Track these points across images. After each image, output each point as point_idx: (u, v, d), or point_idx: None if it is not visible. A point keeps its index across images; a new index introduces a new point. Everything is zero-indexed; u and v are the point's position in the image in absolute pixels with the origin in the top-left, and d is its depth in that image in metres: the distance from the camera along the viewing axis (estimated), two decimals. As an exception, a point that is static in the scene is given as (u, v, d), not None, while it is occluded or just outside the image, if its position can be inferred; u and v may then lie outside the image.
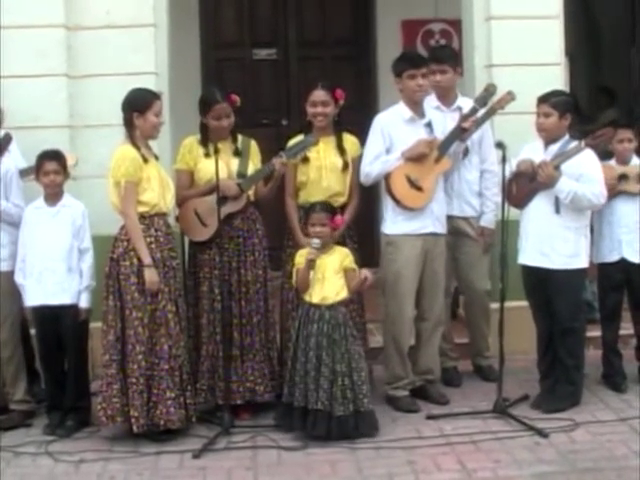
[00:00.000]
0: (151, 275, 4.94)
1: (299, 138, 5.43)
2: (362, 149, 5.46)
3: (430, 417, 5.25)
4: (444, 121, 5.52)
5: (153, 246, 4.99)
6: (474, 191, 5.72)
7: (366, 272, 5.02)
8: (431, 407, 5.42)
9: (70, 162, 5.36)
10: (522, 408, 5.29)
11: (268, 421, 5.21)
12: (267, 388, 5.29)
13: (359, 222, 5.62)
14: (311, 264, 4.96)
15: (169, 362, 4.99)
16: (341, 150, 5.43)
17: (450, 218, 5.62)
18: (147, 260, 4.93)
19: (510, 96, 5.48)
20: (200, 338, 5.31)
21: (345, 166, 5.42)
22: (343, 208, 5.42)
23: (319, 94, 5.36)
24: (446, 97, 5.70)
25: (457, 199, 5.69)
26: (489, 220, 5.70)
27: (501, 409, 5.17)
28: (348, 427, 4.93)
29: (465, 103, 5.66)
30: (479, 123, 5.50)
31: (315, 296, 5.01)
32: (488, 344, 5.84)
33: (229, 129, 5.36)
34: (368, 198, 6.57)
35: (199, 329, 5.32)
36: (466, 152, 5.63)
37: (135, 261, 4.96)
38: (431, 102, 5.62)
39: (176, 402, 4.99)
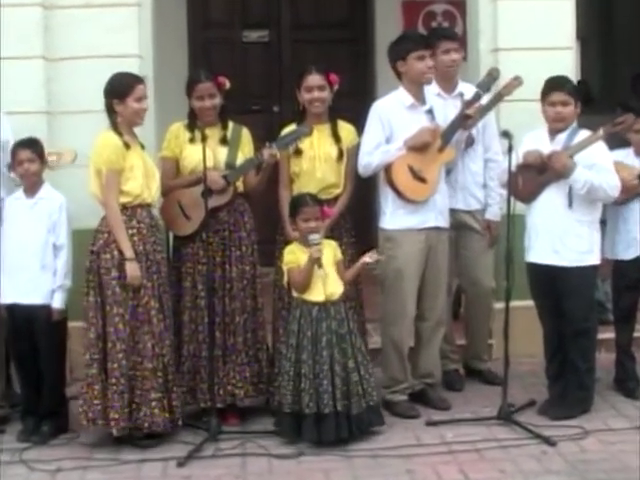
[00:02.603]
0: (133, 269, 4.92)
1: (291, 128, 5.42)
2: (358, 138, 5.45)
3: (430, 423, 5.25)
4: (445, 108, 5.51)
5: (135, 239, 4.98)
6: (479, 183, 5.73)
7: (365, 258, 5.06)
8: (431, 412, 5.41)
9: (68, 158, 5.33)
10: (528, 414, 5.27)
11: (258, 426, 5.21)
12: (248, 392, 5.30)
13: (354, 215, 5.60)
14: (318, 262, 4.96)
15: (152, 361, 4.98)
16: (336, 138, 5.42)
17: (453, 212, 5.62)
18: (129, 253, 4.92)
19: (517, 81, 5.46)
20: (182, 336, 5.31)
21: (340, 155, 5.41)
22: (337, 200, 5.43)
23: (314, 78, 5.35)
24: (448, 83, 5.68)
25: (461, 191, 5.69)
26: (495, 213, 5.70)
27: (506, 415, 5.15)
28: (364, 424, 5.01)
29: (467, 89, 5.64)
30: (485, 111, 5.49)
31: (319, 294, 5.01)
32: (487, 346, 5.82)
33: (215, 112, 5.35)
34: (365, 190, 6.56)
35: (181, 327, 5.31)
36: (472, 141, 5.63)
37: (116, 254, 4.95)
38: (432, 89, 5.56)
39: (160, 404, 4.98)
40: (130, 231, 4.98)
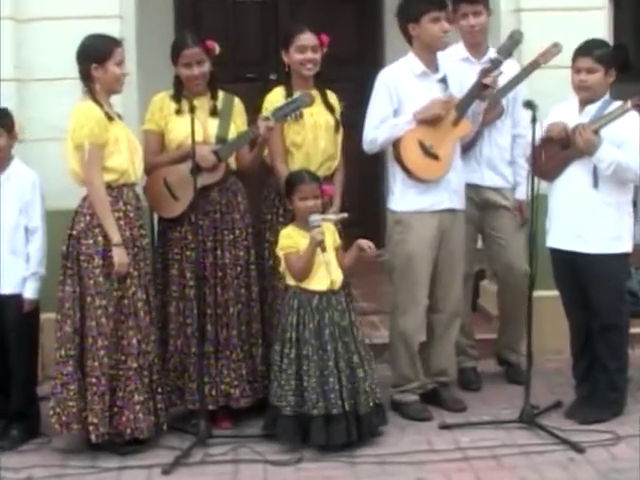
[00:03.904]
0: (121, 255, 4.90)
1: (277, 92, 5.40)
2: (342, 104, 5.45)
3: (444, 426, 5.25)
4: (472, 75, 5.45)
5: (122, 222, 4.96)
6: (505, 159, 5.74)
7: (366, 241, 5.04)
8: (445, 415, 5.42)
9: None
10: (554, 417, 5.27)
11: (252, 430, 5.18)
12: (244, 392, 5.28)
13: (359, 194, 5.58)
14: (322, 246, 4.94)
15: (138, 360, 4.96)
16: (329, 107, 5.44)
17: (477, 188, 5.66)
18: (116, 238, 4.89)
19: (556, 49, 5.47)
20: (168, 330, 5.29)
21: (337, 125, 5.43)
22: (333, 175, 5.44)
23: (309, 37, 5.34)
24: (477, 46, 5.69)
25: (487, 167, 5.71)
26: (526, 193, 5.65)
27: (529, 418, 5.14)
28: (372, 425, 5.04)
29: None
30: (517, 80, 5.51)
31: (321, 282, 5.00)
32: (521, 337, 5.78)
33: (204, 81, 5.33)
34: (371, 166, 6.53)
35: (167, 320, 5.30)
36: (501, 112, 5.65)
37: (100, 239, 4.91)
38: (459, 53, 5.62)
39: (145, 407, 4.96)
40: (116, 214, 4.95)
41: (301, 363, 4.96)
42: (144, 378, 4.98)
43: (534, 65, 5.52)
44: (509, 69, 5.54)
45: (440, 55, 5.43)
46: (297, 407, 4.96)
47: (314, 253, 4.96)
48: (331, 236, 5.11)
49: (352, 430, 4.93)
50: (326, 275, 4.98)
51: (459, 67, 5.47)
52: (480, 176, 5.67)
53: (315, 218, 4.96)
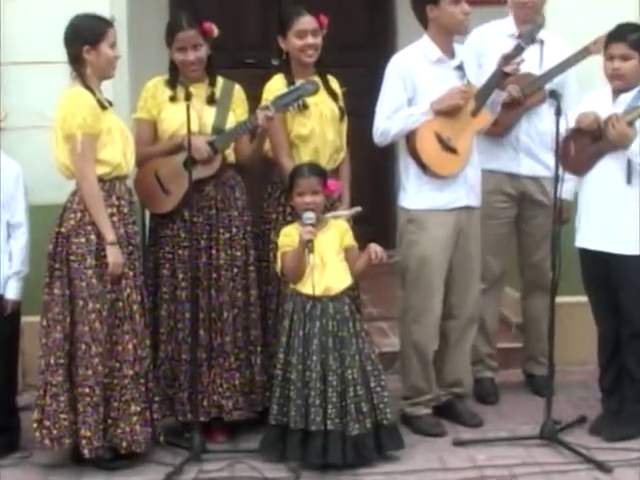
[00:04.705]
0: (116, 255, 4.87)
1: (277, 80, 5.36)
2: (343, 90, 5.44)
3: (458, 443, 5.22)
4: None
5: (115, 219, 4.94)
6: (547, 145, 5.64)
7: (375, 247, 4.99)
8: (460, 430, 5.40)
9: None
10: (578, 434, 5.25)
11: (250, 444, 5.16)
12: (238, 403, 5.24)
13: (369, 190, 5.50)
14: (309, 246, 4.87)
15: (134, 366, 4.93)
16: (332, 94, 5.43)
17: (514, 179, 5.70)
18: (111, 236, 4.87)
19: None
20: (158, 335, 5.27)
21: (342, 114, 5.44)
22: (338, 167, 5.44)
23: (309, 21, 5.30)
24: (527, 24, 5.57)
25: (525, 154, 5.73)
26: (567, 190, 5.52)
27: (550, 434, 5.11)
28: (367, 448, 4.93)
29: (550, 36, 5.63)
30: (563, 67, 5.54)
31: (314, 286, 4.92)
32: (544, 347, 5.73)
33: (201, 66, 5.28)
34: (381, 158, 6.42)
35: (157, 323, 5.28)
36: (543, 99, 5.65)
37: (93, 237, 4.89)
38: (507, 28, 5.68)
39: (142, 418, 4.94)
40: (109, 210, 4.92)
41: (289, 370, 4.93)
42: (140, 386, 4.95)
43: (584, 53, 5.56)
44: (560, 50, 5.60)
45: (488, 29, 5.59)
46: (280, 416, 4.95)
47: (303, 254, 4.92)
48: (339, 237, 5.06)
49: (333, 451, 4.84)
50: (313, 279, 4.91)
51: (504, 43, 5.44)
52: (517, 164, 5.71)
53: (309, 215, 4.94)
